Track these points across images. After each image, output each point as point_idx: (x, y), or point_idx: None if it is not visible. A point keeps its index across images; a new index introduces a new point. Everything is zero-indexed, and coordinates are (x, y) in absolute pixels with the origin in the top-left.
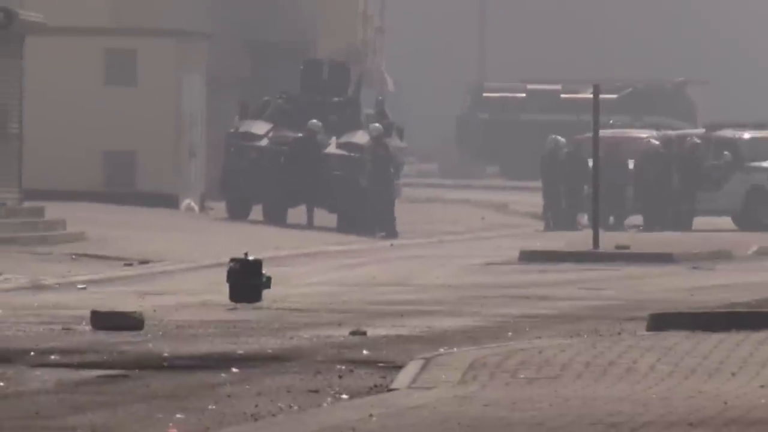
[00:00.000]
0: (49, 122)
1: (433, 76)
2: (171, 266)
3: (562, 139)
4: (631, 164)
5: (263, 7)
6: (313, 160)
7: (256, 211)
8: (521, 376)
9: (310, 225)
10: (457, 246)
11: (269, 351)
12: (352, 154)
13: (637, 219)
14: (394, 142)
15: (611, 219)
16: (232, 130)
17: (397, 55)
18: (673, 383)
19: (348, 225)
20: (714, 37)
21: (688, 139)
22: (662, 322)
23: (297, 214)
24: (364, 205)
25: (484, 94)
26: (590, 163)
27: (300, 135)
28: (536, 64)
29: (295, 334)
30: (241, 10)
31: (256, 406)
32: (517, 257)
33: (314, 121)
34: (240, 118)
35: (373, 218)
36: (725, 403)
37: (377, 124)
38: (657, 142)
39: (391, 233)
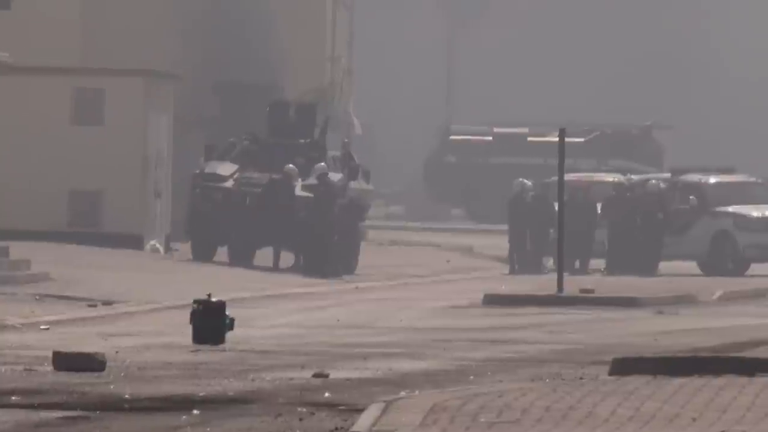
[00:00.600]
0: (16, 161)
1: (401, 119)
2: (135, 307)
3: (529, 183)
4: (597, 208)
5: (232, 48)
6: (286, 204)
7: (221, 253)
8: (482, 420)
9: (276, 267)
10: (422, 289)
11: (231, 393)
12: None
13: (600, 263)
14: (360, 184)
15: (576, 263)
16: (197, 171)
17: (365, 97)
18: (633, 428)
19: (311, 267)
20: (681, 81)
21: (652, 182)
22: (625, 366)
23: (263, 256)
24: (327, 247)
25: (452, 137)
26: (556, 206)
27: (274, 177)
28: (504, 107)
29: (257, 376)
30: (209, 51)
31: None
32: (481, 300)
33: (291, 165)
34: (205, 159)
35: (338, 260)
36: None
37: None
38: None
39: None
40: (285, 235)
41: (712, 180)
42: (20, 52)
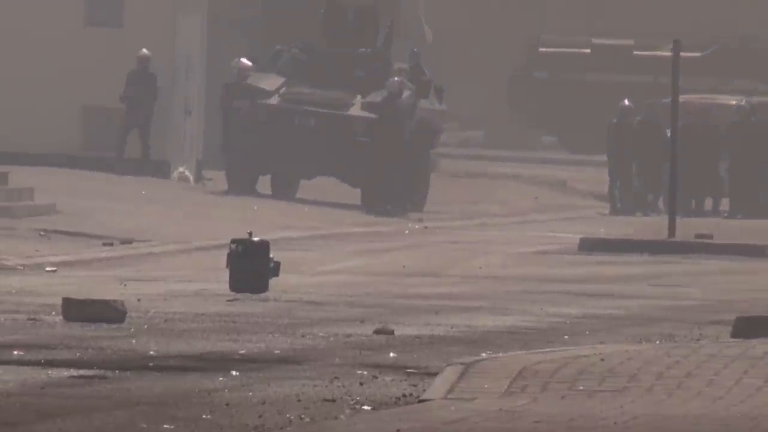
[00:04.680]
0: (18, 71)
1: (481, 27)
2: (159, 247)
3: (632, 105)
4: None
5: None
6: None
7: (263, 183)
8: (580, 387)
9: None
10: (505, 231)
11: (276, 351)
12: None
13: (723, 203)
14: (431, 104)
15: (693, 202)
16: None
17: (438, 0)
18: (763, 400)
19: (372, 202)
20: None
21: None
22: (751, 326)
23: (314, 187)
24: (392, 178)
25: (541, 49)
26: (668, 134)
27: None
28: (605, 13)
29: (307, 331)
30: None
31: (260, 417)
32: (576, 246)
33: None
34: None
35: (403, 194)
36: None
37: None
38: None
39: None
40: (341, 162)
41: None
42: None
